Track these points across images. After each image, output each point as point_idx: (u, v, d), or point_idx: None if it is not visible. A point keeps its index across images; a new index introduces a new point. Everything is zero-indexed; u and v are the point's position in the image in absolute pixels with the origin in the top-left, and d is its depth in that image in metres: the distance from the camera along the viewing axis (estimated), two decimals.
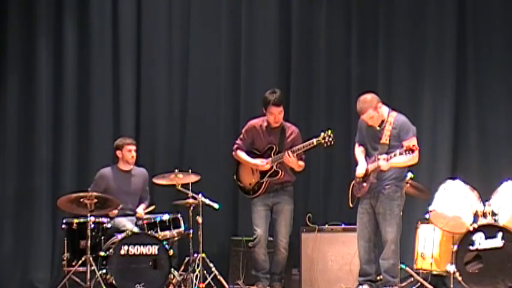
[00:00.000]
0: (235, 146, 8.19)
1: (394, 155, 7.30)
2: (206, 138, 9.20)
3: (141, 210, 8.40)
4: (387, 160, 7.33)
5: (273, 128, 8.08)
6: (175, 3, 9.47)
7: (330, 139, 7.85)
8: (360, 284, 7.60)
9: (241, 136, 8.20)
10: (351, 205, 7.64)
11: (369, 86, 9.08)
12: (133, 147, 8.49)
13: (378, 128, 7.52)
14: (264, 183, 8.02)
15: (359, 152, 7.72)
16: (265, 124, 8.11)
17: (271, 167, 8.00)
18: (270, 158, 8.01)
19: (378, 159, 7.42)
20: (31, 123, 9.21)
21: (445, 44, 8.99)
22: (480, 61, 8.95)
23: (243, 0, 9.34)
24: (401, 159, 7.36)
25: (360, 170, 7.55)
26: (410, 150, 7.23)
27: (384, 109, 7.57)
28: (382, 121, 7.53)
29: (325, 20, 9.25)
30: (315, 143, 7.89)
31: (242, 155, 8.13)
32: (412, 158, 7.40)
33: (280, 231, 8.03)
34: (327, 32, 9.24)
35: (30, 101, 9.23)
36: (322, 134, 7.88)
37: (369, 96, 7.56)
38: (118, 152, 8.49)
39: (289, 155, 7.89)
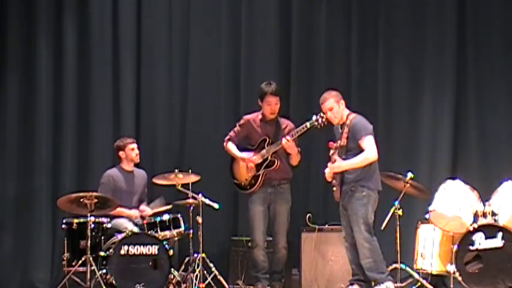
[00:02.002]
0: (227, 138, 8.20)
1: (333, 153, 7.47)
2: (206, 138, 9.20)
3: (146, 207, 8.43)
4: (333, 162, 7.45)
5: (268, 121, 8.07)
6: (175, 3, 9.48)
7: (324, 119, 7.80)
8: (350, 283, 7.66)
9: (235, 129, 8.21)
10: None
11: (369, 86, 9.12)
12: (135, 145, 8.51)
13: (340, 131, 7.58)
14: (261, 175, 8.00)
15: None
16: (260, 117, 8.11)
17: (267, 158, 7.99)
18: (264, 150, 8.00)
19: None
20: (31, 123, 9.21)
21: (445, 44, 8.99)
22: (480, 61, 8.95)
23: (243, 0, 9.34)
24: (352, 162, 7.43)
25: (326, 171, 7.66)
26: (336, 148, 7.45)
27: (345, 112, 7.64)
28: (343, 124, 7.58)
29: (325, 20, 9.25)
30: (308, 126, 7.85)
31: (231, 147, 8.16)
32: (364, 159, 7.43)
33: (279, 231, 8.04)
34: (327, 32, 9.25)
35: (30, 101, 9.23)
36: (314, 116, 7.86)
37: (333, 91, 7.70)
38: (121, 153, 8.49)
39: (287, 140, 7.87)
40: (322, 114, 7.81)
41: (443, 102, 8.96)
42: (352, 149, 7.47)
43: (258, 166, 8.02)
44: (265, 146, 8.03)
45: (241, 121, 8.23)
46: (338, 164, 7.46)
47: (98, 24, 9.37)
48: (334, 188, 7.58)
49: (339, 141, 7.54)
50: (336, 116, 7.61)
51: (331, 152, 7.52)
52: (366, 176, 7.50)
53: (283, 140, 7.88)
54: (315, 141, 9.06)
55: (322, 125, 7.83)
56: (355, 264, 7.63)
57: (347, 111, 7.66)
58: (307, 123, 7.86)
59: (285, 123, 8.16)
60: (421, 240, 8.19)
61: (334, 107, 7.59)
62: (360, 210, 7.46)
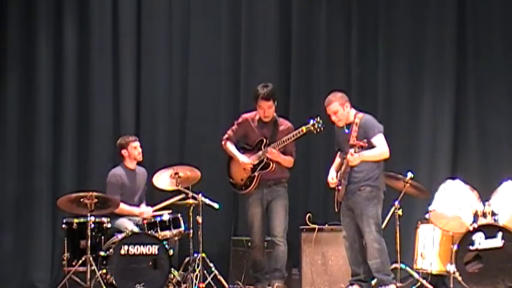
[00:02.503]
0: (225, 137, 8.17)
1: (355, 152, 7.33)
2: (206, 138, 9.20)
3: (146, 210, 8.43)
4: (352, 154, 7.34)
5: (265, 122, 8.04)
6: (175, 3, 9.48)
7: (320, 125, 7.79)
8: (350, 284, 7.66)
9: (233, 128, 8.17)
10: (336, 209, 7.69)
11: (369, 86, 9.13)
12: (138, 143, 8.50)
13: (347, 131, 7.55)
14: (256, 177, 7.96)
15: (336, 160, 7.79)
16: (257, 117, 8.06)
17: (262, 160, 7.95)
18: (260, 152, 7.95)
19: (346, 159, 7.49)
20: (31, 123, 9.21)
21: (445, 44, 9.00)
22: (480, 61, 8.96)
23: (243, 0, 9.34)
24: (370, 153, 7.41)
25: (328, 179, 7.64)
26: (361, 147, 7.30)
27: (352, 112, 7.63)
28: (350, 123, 7.56)
29: (325, 20, 9.25)
30: (304, 130, 7.82)
31: (231, 147, 8.12)
32: (380, 154, 7.46)
33: (276, 226, 7.94)
34: (327, 32, 9.25)
35: (30, 101, 9.23)
36: (311, 121, 7.84)
37: (339, 93, 7.67)
38: (124, 151, 8.47)
39: (272, 152, 7.84)
40: (319, 120, 7.80)
41: (443, 102, 8.97)
42: (362, 148, 7.41)
43: (254, 167, 8.00)
44: (262, 147, 7.99)
45: (240, 120, 8.20)
46: (358, 155, 7.35)
47: (98, 24, 9.37)
48: (340, 187, 7.55)
49: (351, 139, 7.48)
50: (341, 119, 7.58)
51: (353, 150, 7.37)
52: (374, 176, 7.50)
53: (269, 151, 7.84)
54: (314, 142, 9.07)
55: (319, 130, 7.81)
56: (355, 265, 7.63)
57: (353, 111, 7.64)
58: (304, 128, 7.84)
59: (283, 123, 8.11)
60: (421, 240, 8.19)
61: (338, 111, 7.56)
62: (371, 211, 7.45)
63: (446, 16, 9.01)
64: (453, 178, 8.09)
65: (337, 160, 7.78)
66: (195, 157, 9.11)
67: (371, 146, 7.46)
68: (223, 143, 8.19)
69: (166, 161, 9.03)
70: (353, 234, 7.60)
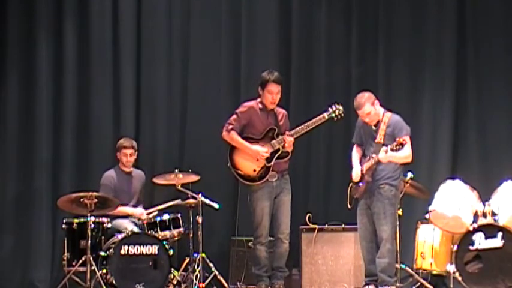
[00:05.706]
0: (230, 127, 7.92)
1: (391, 149, 7.32)
2: (206, 138, 9.19)
3: (139, 211, 8.40)
4: (386, 152, 7.34)
5: (269, 110, 7.92)
6: (175, 3, 9.47)
7: (340, 112, 7.82)
8: (366, 284, 7.67)
9: (235, 117, 7.94)
10: (349, 206, 7.70)
11: (369, 86, 9.07)
12: (130, 151, 8.45)
13: (374, 128, 7.55)
14: (272, 167, 7.84)
15: (354, 154, 7.79)
16: (260, 106, 7.93)
17: (278, 149, 7.85)
18: (275, 140, 7.86)
19: (373, 158, 7.49)
20: (31, 123, 9.20)
21: (445, 44, 9.01)
22: (480, 61, 8.96)
23: (243, 0, 9.34)
24: (398, 155, 7.39)
25: (354, 175, 7.63)
26: (401, 144, 7.28)
27: (380, 109, 7.62)
28: (378, 121, 7.56)
29: (325, 20, 9.26)
30: (326, 117, 7.84)
31: (239, 138, 7.88)
32: (407, 156, 7.47)
33: (283, 223, 7.90)
34: (327, 32, 9.26)
35: (30, 101, 9.22)
36: (330, 108, 7.86)
37: (366, 93, 7.66)
38: (118, 154, 8.50)
39: (291, 140, 7.78)
40: (338, 106, 7.80)
41: (443, 102, 8.97)
42: (402, 146, 7.39)
43: (270, 157, 7.84)
44: (274, 136, 7.87)
45: (243, 108, 7.96)
46: (385, 155, 7.36)
47: (98, 24, 9.35)
48: (361, 184, 7.55)
49: (377, 137, 7.50)
50: (373, 119, 7.59)
51: (389, 147, 7.34)
52: (395, 176, 7.53)
53: (289, 139, 7.79)
54: (314, 142, 9.08)
55: (339, 117, 7.85)
56: (372, 264, 7.60)
57: (382, 109, 7.64)
58: (325, 115, 7.85)
59: (280, 112, 8.03)
60: (421, 240, 8.19)
61: (371, 112, 7.57)
62: (390, 210, 7.49)
63: (446, 16, 9.02)
64: (453, 178, 8.10)
65: (356, 154, 7.77)
66: (195, 157, 9.12)
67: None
68: (226, 133, 7.94)
69: (166, 161, 9.04)
70: (370, 234, 7.59)
